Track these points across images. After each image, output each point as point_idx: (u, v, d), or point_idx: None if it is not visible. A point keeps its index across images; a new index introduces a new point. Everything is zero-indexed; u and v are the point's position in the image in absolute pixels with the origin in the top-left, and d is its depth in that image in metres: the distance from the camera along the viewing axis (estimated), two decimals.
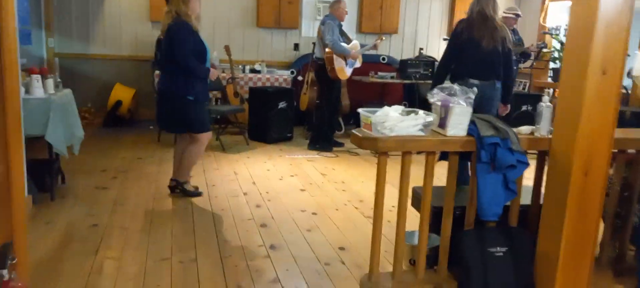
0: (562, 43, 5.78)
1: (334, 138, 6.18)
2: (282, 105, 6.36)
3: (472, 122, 2.49)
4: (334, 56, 5.58)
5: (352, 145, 6.19)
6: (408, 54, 8.26)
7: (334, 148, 6.03)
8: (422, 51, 8.24)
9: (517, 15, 6.54)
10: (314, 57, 5.91)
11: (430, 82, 7.37)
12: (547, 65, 8.10)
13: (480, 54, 3.99)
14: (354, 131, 2.49)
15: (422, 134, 2.44)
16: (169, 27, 3.70)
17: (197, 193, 4.06)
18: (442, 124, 2.50)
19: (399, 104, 7.62)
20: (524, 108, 7.01)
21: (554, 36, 8.27)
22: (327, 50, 5.58)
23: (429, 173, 2.49)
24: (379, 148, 2.38)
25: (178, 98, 3.75)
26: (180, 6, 3.70)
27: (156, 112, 4.09)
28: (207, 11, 7.24)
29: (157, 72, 6.48)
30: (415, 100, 7.96)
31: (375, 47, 6.15)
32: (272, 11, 7.56)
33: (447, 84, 2.62)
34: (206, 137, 3.94)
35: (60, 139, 3.72)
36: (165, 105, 3.85)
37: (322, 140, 5.98)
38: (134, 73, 7.24)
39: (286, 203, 4.03)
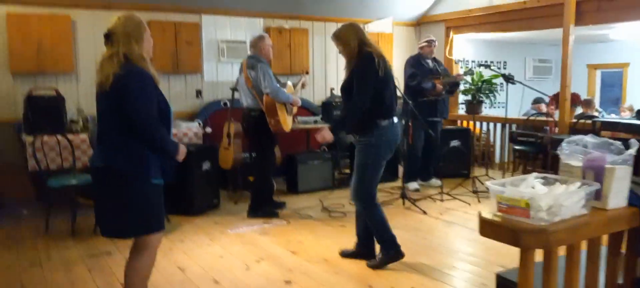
0: (506, 76, 5.58)
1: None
2: (206, 166, 5.21)
3: None
4: (277, 106, 4.66)
5: (301, 205, 5.31)
6: (320, 94, 7.64)
7: (278, 211, 5.06)
8: (333, 91, 7.69)
9: (430, 41, 6.14)
10: (244, 107, 4.89)
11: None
12: (458, 98, 8.08)
13: (393, 89, 3.67)
14: (487, 217, 1.68)
15: (585, 211, 1.72)
16: (117, 77, 2.42)
17: None
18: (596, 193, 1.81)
19: (318, 148, 7.04)
20: (453, 144, 6.74)
21: (464, 68, 8.34)
22: (265, 99, 4.63)
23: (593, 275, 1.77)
24: (552, 245, 1.60)
25: (133, 180, 2.48)
26: (131, 46, 2.46)
27: (95, 206, 2.73)
28: (84, 54, 5.82)
29: (28, 138, 4.94)
30: (336, 143, 7.32)
31: (303, 85, 5.39)
32: (167, 53, 6.35)
33: (574, 136, 1.95)
34: (158, 238, 2.66)
35: None
36: (111, 192, 2.53)
37: (264, 203, 4.97)
38: None
39: None
